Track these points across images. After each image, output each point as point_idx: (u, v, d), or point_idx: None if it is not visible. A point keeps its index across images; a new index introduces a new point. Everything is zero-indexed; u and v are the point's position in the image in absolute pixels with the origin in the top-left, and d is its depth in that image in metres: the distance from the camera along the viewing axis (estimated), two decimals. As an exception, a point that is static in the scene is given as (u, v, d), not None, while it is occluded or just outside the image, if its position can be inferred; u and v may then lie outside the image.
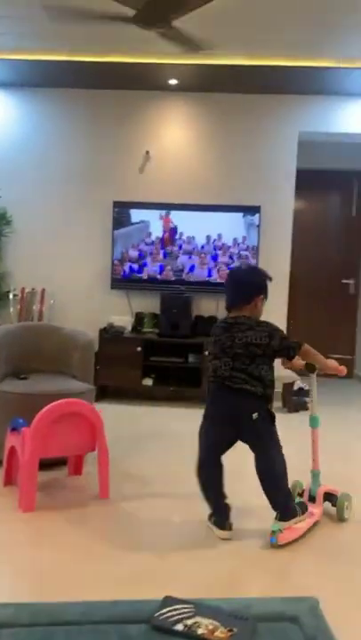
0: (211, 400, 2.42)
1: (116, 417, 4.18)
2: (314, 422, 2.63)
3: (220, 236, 4.80)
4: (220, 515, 2.36)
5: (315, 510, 2.50)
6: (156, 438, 3.73)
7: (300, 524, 2.37)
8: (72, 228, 4.98)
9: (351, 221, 6.15)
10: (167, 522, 2.53)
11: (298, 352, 2.37)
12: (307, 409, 4.72)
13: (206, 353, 4.51)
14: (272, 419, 2.36)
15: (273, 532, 2.25)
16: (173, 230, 4.83)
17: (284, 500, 2.35)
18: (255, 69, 4.28)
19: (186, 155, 4.94)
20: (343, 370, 2.49)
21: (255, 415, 2.28)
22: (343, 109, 4.79)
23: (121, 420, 4.13)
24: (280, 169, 4.88)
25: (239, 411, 2.30)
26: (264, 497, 2.36)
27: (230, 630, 1.02)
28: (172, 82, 4.64)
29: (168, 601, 1.12)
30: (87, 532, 2.40)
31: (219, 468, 2.41)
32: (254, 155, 4.89)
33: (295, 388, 4.79)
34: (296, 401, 4.72)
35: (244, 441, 2.37)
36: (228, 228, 4.81)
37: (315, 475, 2.61)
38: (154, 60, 4.21)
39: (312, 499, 2.56)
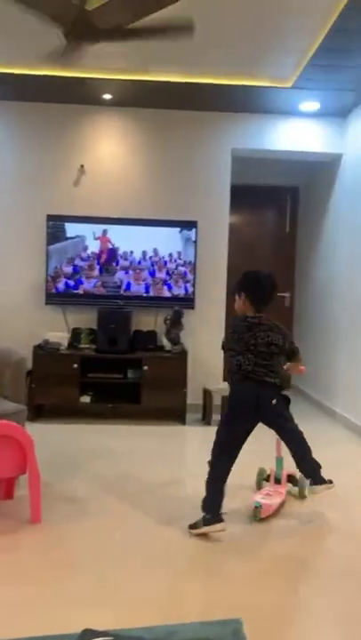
0: (234, 392, 2.66)
1: (51, 437, 4.07)
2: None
3: (155, 251, 4.80)
4: (215, 509, 2.51)
5: (282, 490, 2.90)
6: (94, 457, 3.64)
7: (275, 501, 2.78)
8: (5, 243, 4.85)
9: (285, 237, 6.32)
10: (103, 544, 2.45)
11: (298, 356, 2.84)
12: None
13: (145, 367, 4.48)
14: (288, 402, 2.71)
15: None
16: (111, 250, 4.79)
17: (313, 466, 2.72)
18: (189, 86, 4.34)
19: (121, 169, 4.93)
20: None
21: (274, 401, 2.61)
22: (275, 127, 4.93)
23: (57, 440, 4.02)
24: (215, 184, 4.95)
25: (261, 399, 2.58)
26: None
27: (150, 661, 0.99)
28: (107, 96, 4.64)
29: (87, 634, 1.07)
30: (17, 560, 2.29)
31: (233, 460, 2.60)
32: (189, 170, 4.94)
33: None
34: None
35: (267, 423, 2.67)
36: (165, 242, 4.82)
37: (279, 460, 3.00)
38: (88, 74, 4.19)
39: (277, 481, 2.98)
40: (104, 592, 2.03)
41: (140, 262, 4.81)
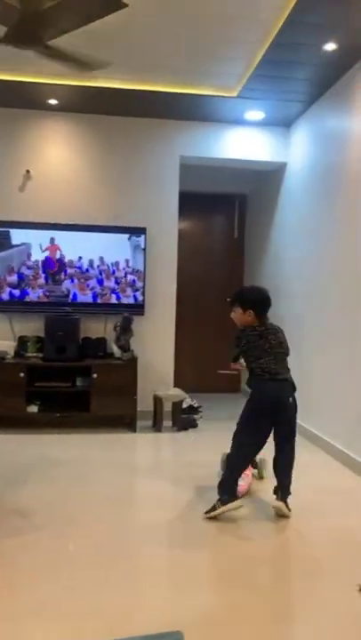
0: (260, 392, 2.91)
1: (-3, 448, 3.97)
2: None
3: (101, 259, 4.77)
4: (233, 490, 2.84)
5: (248, 473, 3.19)
6: (42, 467, 3.57)
7: (247, 481, 3.16)
8: None
9: (234, 242, 6.41)
10: (51, 556, 2.40)
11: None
12: (196, 426, 4.80)
13: (94, 375, 4.44)
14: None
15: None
16: (60, 260, 4.72)
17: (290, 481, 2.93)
18: (135, 93, 4.34)
19: (68, 175, 4.88)
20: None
21: (291, 399, 2.89)
22: (222, 136, 5.00)
23: (3, 451, 3.92)
24: (164, 191, 4.97)
25: (282, 397, 2.87)
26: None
27: None
28: (52, 102, 4.58)
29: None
30: None
31: (259, 451, 2.96)
32: (138, 177, 4.94)
33: (184, 405, 4.84)
34: (185, 419, 4.76)
35: (283, 421, 2.88)
36: (114, 249, 4.79)
37: None
38: (33, 79, 4.14)
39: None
40: (49, 605, 1.99)
41: (87, 270, 4.77)
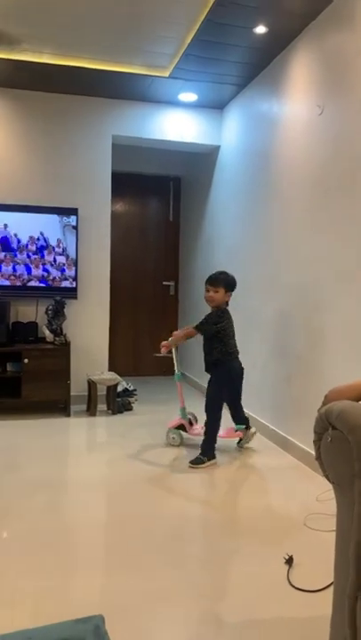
0: (230, 370, 3.57)
1: None
2: (177, 377, 3.81)
3: (33, 239, 4.63)
4: (214, 448, 3.47)
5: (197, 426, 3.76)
6: (-31, 456, 3.46)
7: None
8: None
9: (169, 225, 6.39)
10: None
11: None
12: (131, 409, 4.79)
13: (25, 360, 4.33)
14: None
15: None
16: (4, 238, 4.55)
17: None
18: (66, 69, 4.20)
19: (-4, 152, 4.67)
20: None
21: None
22: (155, 116, 4.94)
23: None
24: (96, 171, 4.87)
25: (242, 371, 3.65)
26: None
27: (4, 671, 0.95)
28: (-24, 74, 4.36)
29: None
30: None
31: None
32: (69, 156, 4.80)
33: (119, 389, 4.82)
34: (120, 402, 4.74)
35: (236, 392, 3.67)
36: (44, 230, 4.66)
37: (183, 409, 3.75)
38: None
39: (190, 422, 3.79)
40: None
41: (15, 252, 4.61)
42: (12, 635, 1.07)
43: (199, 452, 3.43)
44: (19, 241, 4.62)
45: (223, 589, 2.07)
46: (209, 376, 3.59)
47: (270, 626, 1.82)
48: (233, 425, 3.74)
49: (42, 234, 4.66)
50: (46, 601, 1.93)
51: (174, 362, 3.81)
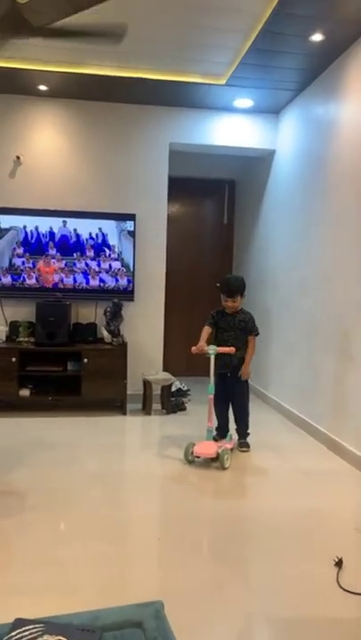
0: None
1: (-10, 431, 4.07)
2: (210, 390, 3.62)
3: (93, 244, 4.83)
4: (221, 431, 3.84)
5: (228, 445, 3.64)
6: (34, 450, 3.68)
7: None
8: None
9: (223, 228, 6.47)
10: (43, 536, 2.52)
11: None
12: (185, 409, 4.92)
13: (85, 360, 4.53)
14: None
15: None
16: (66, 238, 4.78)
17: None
18: (125, 80, 4.36)
19: (59, 161, 4.90)
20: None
21: None
22: (211, 123, 5.03)
23: (-4, 434, 4.02)
24: (153, 177, 5.02)
25: None
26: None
27: (76, 644, 1.08)
28: (42, 87, 4.59)
29: (19, 622, 1.15)
30: None
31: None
32: (127, 163, 4.97)
33: (173, 389, 4.95)
34: (174, 402, 4.88)
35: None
36: (103, 234, 4.85)
37: (209, 430, 3.57)
38: (22, 65, 4.15)
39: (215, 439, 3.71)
40: (39, 582, 2.11)
41: (73, 252, 4.83)
42: (81, 614, 1.21)
43: (243, 440, 3.82)
44: (78, 239, 4.81)
45: (273, 587, 2.15)
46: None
47: (318, 625, 1.89)
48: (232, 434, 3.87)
49: (100, 229, 4.82)
50: (108, 588, 2.07)
51: (211, 373, 3.61)
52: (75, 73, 4.26)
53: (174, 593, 2.03)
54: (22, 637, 1.10)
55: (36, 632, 1.12)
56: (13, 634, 1.11)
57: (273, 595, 2.09)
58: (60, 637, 1.10)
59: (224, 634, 1.84)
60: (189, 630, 1.79)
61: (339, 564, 2.26)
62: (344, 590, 2.09)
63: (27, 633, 1.12)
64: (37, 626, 1.14)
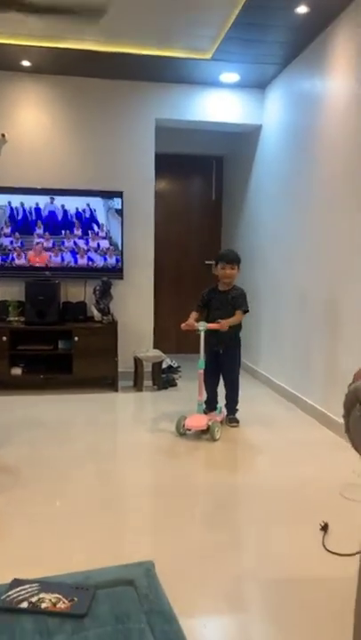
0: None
1: (-17, 410, 4.11)
2: (200, 364, 3.69)
3: (79, 221, 4.82)
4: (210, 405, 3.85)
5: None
6: (27, 427, 3.74)
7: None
8: None
9: (211, 205, 6.47)
10: (37, 510, 2.58)
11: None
12: (175, 385, 4.99)
13: (76, 338, 4.57)
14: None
15: None
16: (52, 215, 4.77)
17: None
18: (109, 55, 4.32)
19: (45, 138, 4.86)
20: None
21: None
22: (197, 98, 5.00)
23: (-11, 413, 4.07)
24: (139, 154, 4.99)
25: None
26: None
27: (71, 600, 1.14)
28: (25, 63, 4.53)
29: (16, 582, 1.20)
30: None
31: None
32: (113, 139, 4.94)
33: (164, 366, 5.01)
34: (165, 378, 4.94)
35: None
36: (90, 212, 4.84)
37: (199, 404, 3.64)
38: (4, 40, 4.08)
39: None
40: (33, 552, 2.18)
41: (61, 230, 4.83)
42: (74, 574, 1.27)
43: (232, 415, 3.86)
44: (66, 216, 4.80)
45: (261, 550, 2.24)
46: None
47: (304, 584, 1.98)
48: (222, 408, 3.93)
49: (88, 205, 4.81)
50: (100, 554, 2.15)
51: (202, 349, 3.70)
52: (58, 48, 4.21)
53: (165, 557, 2.10)
54: (19, 596, 1.16)
55: (32, 591, 1.17)
56: (11, 592, 1.17)
57: (261, 557, 2.18)
58: (56, 595, 1.16)
59: (214, 593, 1.92)
60: (180, 589, 1.87)
61: (324, 528, 2.34)
62: (329, 552, 2.18)
63: (23, 592, 1.17)
64: (33, 585, 1.20)
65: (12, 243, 4.76)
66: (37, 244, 4.79)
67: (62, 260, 4.85)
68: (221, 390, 3.94)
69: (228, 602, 1.88)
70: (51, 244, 4.81)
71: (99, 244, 4.88)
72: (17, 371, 4.59)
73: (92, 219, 4.85)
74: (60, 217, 4.81)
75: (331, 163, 3.76)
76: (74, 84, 4.83)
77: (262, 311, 5.11)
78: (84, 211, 4.82)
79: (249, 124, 5.17)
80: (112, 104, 4.90)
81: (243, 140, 5.61)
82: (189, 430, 3.55)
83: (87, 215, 4.83)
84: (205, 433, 3.52)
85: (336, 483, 2.82)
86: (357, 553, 2.10)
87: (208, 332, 3.68)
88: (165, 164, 5.69)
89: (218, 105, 5.04)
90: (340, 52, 3.61)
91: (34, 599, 1.15)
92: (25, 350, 4.60)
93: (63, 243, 4.83)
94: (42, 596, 1.16)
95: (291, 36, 3.92)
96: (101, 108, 4.89)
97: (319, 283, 3.94)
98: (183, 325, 3.71)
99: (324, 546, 2.22)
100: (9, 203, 4.73)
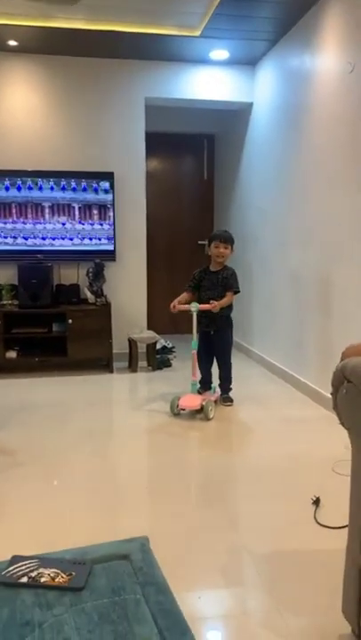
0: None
1: (-21, 393, 4.15)
2: (193, 345, 3.75)
3: (71, 204, 4.80)
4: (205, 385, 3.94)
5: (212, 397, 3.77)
6: (23, 409, 3.78)
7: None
8: None
9: (203, 184, 6.44)
10: (35, 489, 2.63)
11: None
12: (170, 365, 5.03)
13: (70, 321, 4.59)
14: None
15: None
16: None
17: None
18: (97, 34, 4.26)
19: (32, 119, 4.81)
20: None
21: None
22: (186, 76, 4.95)
23: (-15, 396, 4.10)
24: (130, 133, 4.96)
25: None
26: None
27: (69, 575, 1.18)
28: (12, 43, 4.46)
29: (15, 559, 1.25)
30: None
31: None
32: (102, 119, 4.90)
33: (158, 347, 5.04)
34: (160, 359, 4.98)
35: None
36: (82, 194, 4.82)
37: (193, 384, 3.73)
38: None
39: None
40: (31, 529, 2.23)
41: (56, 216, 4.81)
42: (71, 550, 1.31)
43: (226, 395, 3.90)
44: (58, 206, 4.78)
45: (253, 524, 2.30)
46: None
47: (296, 556, 2.04)
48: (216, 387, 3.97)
49: (79, 187, 4.79)
50: (97, 531, 2.20)
51: (194, 330, 3.74)
52: (45, 27, 4.14)
53: (161, 533, 2.16)
54: (19, 571, 1.20)
55: (31, 566, 1.22)
56: (11, 568, 1.21)
57: (254, 531, 2.24)
58: (55, 570, 1.20)
59: (208, 566, 1.98)
60: (174, 563, 1.93)
61: (316, 502, 2.40)
62: (320, 525, 2.24)
63: (23, 567, 1.22)
64: (33, 561, 1.24)
65: (3, 225, 4.74)
66: (27, 225, 4.77)
67: (54, 242, 4.84)
68: (216, 370, 3.99)
69: (222, 575, 1.94)
70: (42, 227, 4.80)
71: (91, 226, 4.87)
72: (12, 354, 4.62)
73: (83, 200, 4.82)
74: (50, 200, 4.78)
75: (321, 140, 3.75)
76: (62, 64, 4.76)
77: (256, 290, 5.13)
78: (74, 192, 4.80)
79: (240, 102, 5.13)
80: (101, 83, 4.85)
81: (234, 117, 5.57)
82: (183, 410, 3.60)
83: (79, 197, 4.81)
84: (199, 412, 3.58)
85: (328, 458, 2.88)
86: (346, 526, 2.17)
87: (200, 313, 3.70)
88: (156, 143, 5.65)
89: (208, 82, 4.99)
90: (330, 28, 3.58)
91: (33, 574, 1.19)
92: (19, 334, 4.62)
93: (54, 225, 4.81)
94: (41, 570, 1.20)
95: (280, 12, 3.87)
96: (90, 87, 4.84)
97: (312, 262, 3.96)
98: (171, 308, 3.71)
99: (315, 519, 2.29)
100: (-1, 186, 4.70)
